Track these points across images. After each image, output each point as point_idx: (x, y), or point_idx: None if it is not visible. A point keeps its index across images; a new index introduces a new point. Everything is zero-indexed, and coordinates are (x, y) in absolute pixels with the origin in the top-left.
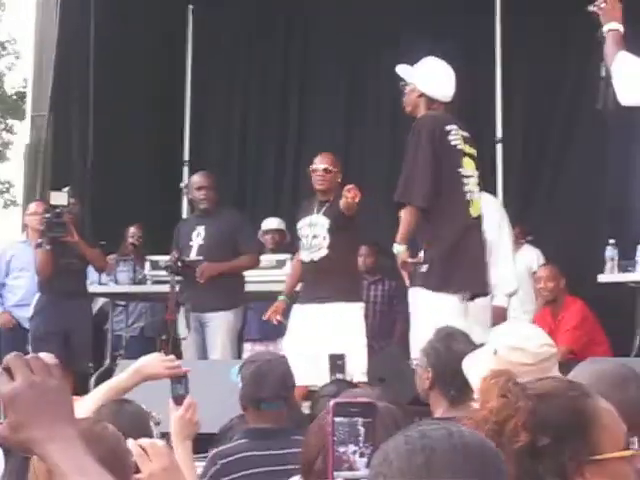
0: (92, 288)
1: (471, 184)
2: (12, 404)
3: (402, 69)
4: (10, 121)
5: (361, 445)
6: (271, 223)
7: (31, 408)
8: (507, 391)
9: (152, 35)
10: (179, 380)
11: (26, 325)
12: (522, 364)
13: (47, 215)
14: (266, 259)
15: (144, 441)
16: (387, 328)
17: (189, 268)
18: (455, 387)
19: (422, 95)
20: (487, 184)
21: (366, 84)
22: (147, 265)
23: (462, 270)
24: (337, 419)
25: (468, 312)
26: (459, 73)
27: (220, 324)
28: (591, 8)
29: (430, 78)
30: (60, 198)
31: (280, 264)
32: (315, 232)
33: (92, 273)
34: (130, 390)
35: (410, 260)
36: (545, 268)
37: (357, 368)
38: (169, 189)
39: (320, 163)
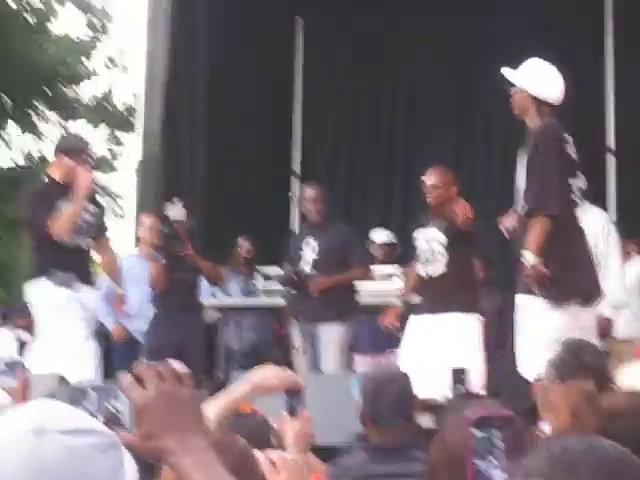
0: (204, 301)
1: (578, 194)
2: (144, 413)
3: (508, 72)
4: (119, 134)
5: (500, 459)
6: (382, 236)
7: (163, 417)
8: (578, 409)
9: (261, 48)
10: (294, 393)
11: (139, 338)
12: None
13: (163, 228)
14: (377, 271)
15: (273, 453)
16: (499, 341)
17: (304, 281)
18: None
19: (532, 97)
20: (599, 195)
21: (475, 98)
22: (258, 277)
23: (579, 279)
24: (477, 433)
25: (579, 322)
26: (568, 76)
27: (331, 336)
28: None
29: (539, 80)
30: (176, 211)
31: (390, 276)
32: (432, 247)
33: (204, 285)
34: (244, 402)
35: (544, 270)
36: None
37: (475, 381)
38: (279, 200)
39: (427, 179)
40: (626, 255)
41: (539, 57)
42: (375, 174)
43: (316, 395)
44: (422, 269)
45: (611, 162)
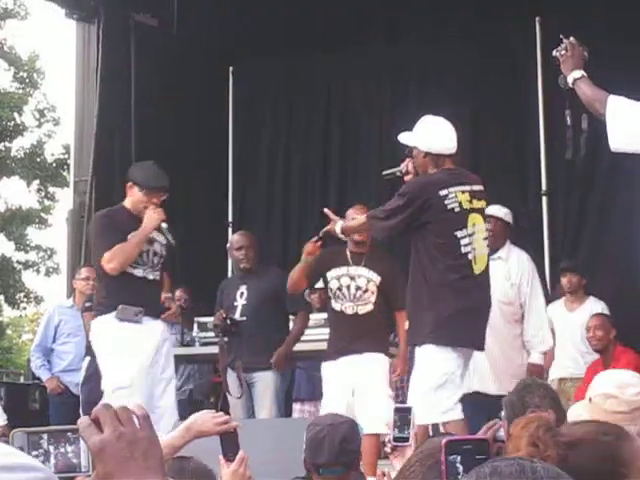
0: None
1: (475, 241)
2: (101, 455)
3: (403, 137)
4: (51, 188)
5: None
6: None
7: (120, 459)
8: (537, 439)
9: (193, 99)
10: (229, 436)
11: (75, 390)
12: (616, 412)
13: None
14: (314, 318)
15: None
16: None
17: (236, 327)
18: None
19: (427, 154)
20: (533, 236)
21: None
22: (195, 327)
23: (463, 327)
24: (448, 457)
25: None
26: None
27: (268, 384)
28: (555, 53)
29: (429, 136)
30: None
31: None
32: (359, 284)
33: None
34: (182, 448)
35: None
36: (595, 317)
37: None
38: (215, 250)
39: (354, 215)
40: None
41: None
42: (310, 218)
43: (253, 441)
44: (348, 307)
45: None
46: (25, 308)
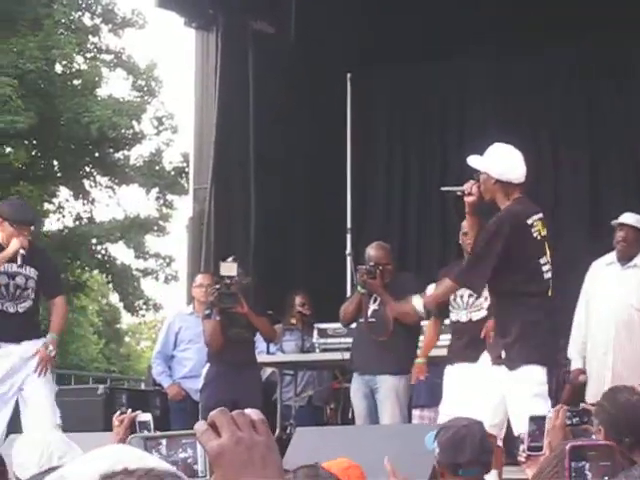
0: (260, 358)
1: (548, 268)
2: (219, 460)
3: (473, 160)
4: (169, 196)
5: None
6: (431, 289)
7: (238, 464)
8: None
9: (310, 106)
10: None
11: (195, 397)
12: None
13: (217, 286)
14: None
15: None
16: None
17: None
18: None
19: (497, 181)
20: None
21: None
22: (315, 333)
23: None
24: (572, 464)
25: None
26: None
27: (391, 388)
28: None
29: (501, 163)
30: (230, 269)
31: (447, 329)
32: (470, 292)
33: (260, 343)
34: None
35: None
36: None
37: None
38: (333, 256)
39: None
40: None
41: None
42: (431, 223)
43: (374, 446)
44: (463, 315)
45: None
46: (144, 315)
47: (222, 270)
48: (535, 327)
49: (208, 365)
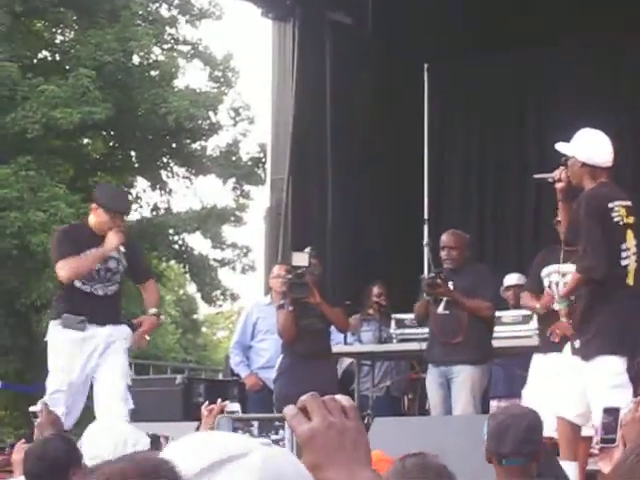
0: (337, 348)
1: (632, 255)
2: (310, 444)
3: (561, 146)
4: (246, 187)
5: None
6: (512, 279)
7: (329, 449)
8: None
9: (388, 96)
10: None
11: (273, 387)
12: None
13: (289, 276)
14: (511, 315)
15: None
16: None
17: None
18: None
19: (584, 165)
20: None
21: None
22: (392, 323)
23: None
24: None
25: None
26: None
27: (466, 378)
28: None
29: (588, 147)
30: (302, 259)
31: (526, 319)
32: (566, 281)
33: (337, 334)
34: None
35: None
36: None
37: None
38: (410, 246)
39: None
40: None
41: None
42: (506, 213)
43: (448, 437)
44: (556, 303)
45: None
46: (221, 305)
47: (294, 260)
48: (612, 315)
49: (282, 356)
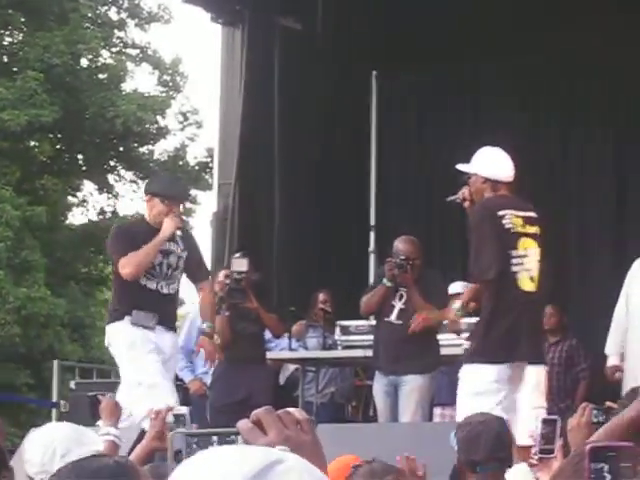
0: (282, 354)
1: (526, 263)
2: None
3: (462, 166)
4: (193, 191)
5: None
6: (457, 287)
7: None
8: None
9: (336, 103)
10: None
11: None
12: None
13: (227, 282)
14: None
15: None
16: (568, 389)
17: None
18: None
19: (487, 180)
20: None
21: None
22: (337, 330)
23: (506, 340)
24: (596, 465)
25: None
26: None
27: (414, 388)
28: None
29: (491, 163)
30: (241, 264)
31: (471, 327)
32: None
33: (283, 340)
34: None
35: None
36: None
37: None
38: (356, 254)
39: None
40: None
41: None
42: (453, 222)
43: (394, 444)
44: None
45: None
46: None
47: (233, 265)
48: (492, 321)
49: (217, 361)
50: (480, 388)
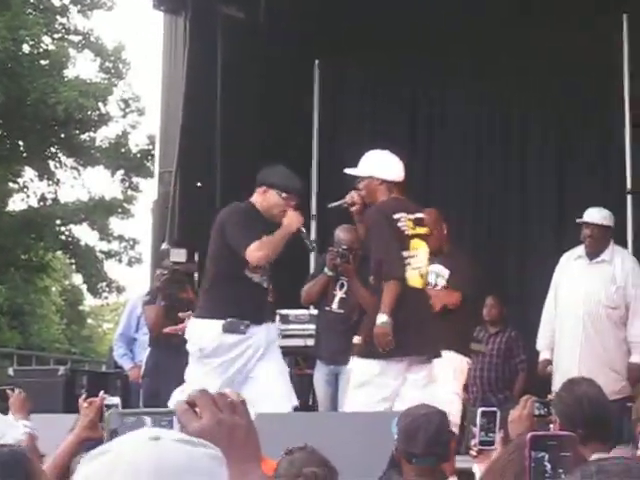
0: None
1: (415, 262)
2: None
3: (351, 170)
4: (135, 179)
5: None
6: None
7: (219, 446)
8: None
9: (279, 91)
10: None
11: None
12: None
13: (165, 272)
14: None
15: None
16: (507, 380)
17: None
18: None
19: (382, 182)
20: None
21: (494, 135)
22: (277, 319)
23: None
24: (532, 454)
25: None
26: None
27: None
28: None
29: (383, 165)
30: (179, 255)
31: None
32: (429, 280)
33: None
34: None
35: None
36: None
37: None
38: (296, 243)
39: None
40: None
41: None
42: None
43: (336, 434)
44: None
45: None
46: (107, 297)
47: (172, 256)
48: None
49: (149, 349)
50: (365, 381)
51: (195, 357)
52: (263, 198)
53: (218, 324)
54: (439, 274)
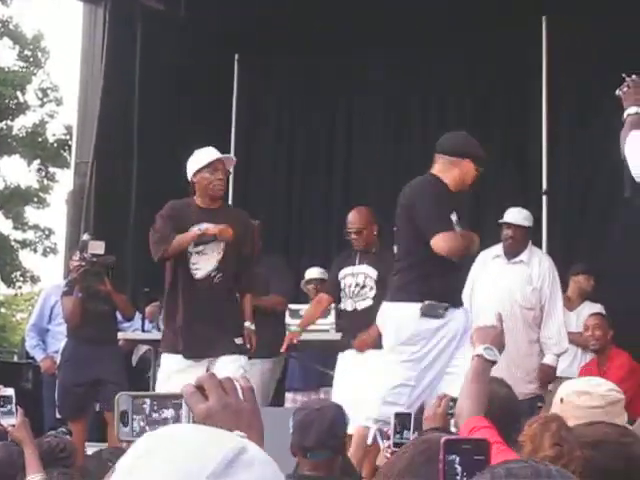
0: (135, 335)
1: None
2: (206, 423)
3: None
4: (51, 169)
5: None
6: (313, 272)
7: (225, 428)
8: (560, 439)
9: (198, 84)
10: None
11: None
12: (590, 407)
13: (83, 264)
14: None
15: None
16: None
17: None
18: None
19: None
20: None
21: (412, 129)
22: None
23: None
24: (448, 457)
25: None
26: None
27: (256, 372)
28: (617, 92)
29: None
30: (97, 247)
31: (324, 313)
32: (358, 281)
33: (137, 321)
34: None
35: None
36: (594, 317)
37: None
38: None
39: (352, 225)
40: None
41: None
42: (313, 207)
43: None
44: (349, 304)
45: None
46: (21, 287)
47: (90, 248)
48: (169, 313)
49: (66, 341)
50: (161, 376)
51: (390, 345)
52: (458, 169)
53: (415, 307)
54: (367, 275)
